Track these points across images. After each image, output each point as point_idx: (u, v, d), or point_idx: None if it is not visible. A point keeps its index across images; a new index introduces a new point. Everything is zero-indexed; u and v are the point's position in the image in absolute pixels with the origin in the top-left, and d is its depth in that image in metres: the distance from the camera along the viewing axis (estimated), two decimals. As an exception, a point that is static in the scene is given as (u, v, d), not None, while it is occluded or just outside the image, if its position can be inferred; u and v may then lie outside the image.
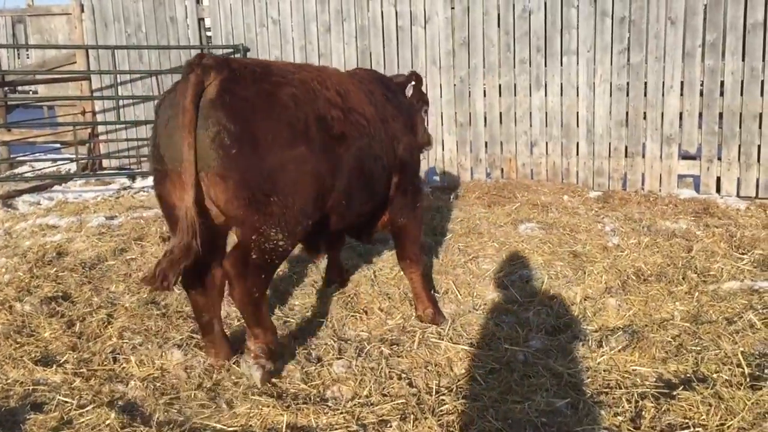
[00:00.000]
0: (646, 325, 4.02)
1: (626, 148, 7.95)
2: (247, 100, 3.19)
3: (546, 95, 8.19)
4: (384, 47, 8.72)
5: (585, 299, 4.46)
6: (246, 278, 3.30)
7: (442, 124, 8.65)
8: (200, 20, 9.52)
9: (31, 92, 14.63)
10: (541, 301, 4.37)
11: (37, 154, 10.84)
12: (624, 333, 3.87)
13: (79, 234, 6.59)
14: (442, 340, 3.85)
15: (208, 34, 9.94)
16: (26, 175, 10.06)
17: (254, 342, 3.45)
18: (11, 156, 11.24)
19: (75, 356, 3.83)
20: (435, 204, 7.35)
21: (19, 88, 12.00)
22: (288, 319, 4.38)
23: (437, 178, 8.84)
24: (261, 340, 3.44)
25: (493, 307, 4.39)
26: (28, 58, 18.53)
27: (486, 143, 8.56)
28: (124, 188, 9.33)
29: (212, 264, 3.54)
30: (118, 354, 3.87)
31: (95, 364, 3.74)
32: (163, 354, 3.82)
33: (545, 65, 8.15)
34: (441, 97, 8.60)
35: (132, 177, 9.57)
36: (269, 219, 3.23)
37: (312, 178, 3.34)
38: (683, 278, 4.74)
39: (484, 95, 8.46)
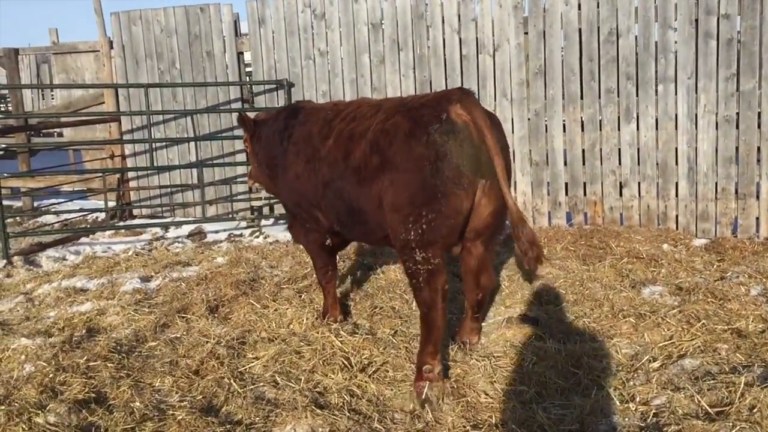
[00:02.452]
0: None
1: (736, 188, 6.87)
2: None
3: (638, 129, 7.17)
4: (446, 78, 7.78)
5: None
6: None
7: (514, 163, 7.64)
8: (239, 54, 8.68)
9: (56, 134, 13.89)
10: (739, 412, 3.19)
11: (62, 202, 9.98)
12: None
13: (112, 302, 5.64)
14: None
15: (248, 69, 9.08)
16: (50, 227, 9.20)
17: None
18: (35, 205, 10.44)
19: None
20: (511, 258, 6.31)
21: (44, 131, 11.25)
22: None
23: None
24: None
25: (677, 422, 3.22)
26: (52, 99, 17.90)
27: (566, 184, 7.53)
28: (157, 239, 8.43)
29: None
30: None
31: None
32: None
33: (636, 95, 7.14)
34: (513, 132, 7.61)
35: (165, 227, 8.66)
36: None
37: None
38: None
39: (564, 130, 7.46)
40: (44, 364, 4.19)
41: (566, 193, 7.55)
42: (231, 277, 6.00)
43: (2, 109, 17.83)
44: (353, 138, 4.03)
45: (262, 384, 3.88)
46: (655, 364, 3.83)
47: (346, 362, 3.96)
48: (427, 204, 3.55)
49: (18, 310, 5.75)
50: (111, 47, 9.14)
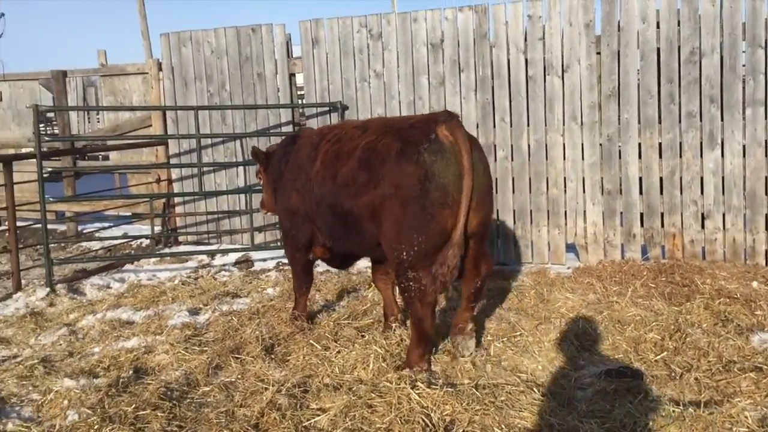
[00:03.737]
0: None
1: (837, 221, 6.26)
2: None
3: (723, 156, 6.61)
4: (510, 101, 7.32)
5: None
6: None
7: (584, 192, 7.12)
8: (291, 76, 8.36)
9: (101, 157, 13.79)
10: None
11: (107, 227, 9.73)
12: None
13: (160, 338, 5.25)
14: None
15: (300, 92, 8.76)
16: (94, 253, 8.96)
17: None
18: (79, 229, 10.23)
19: None
20: (588, 295, 5.78)
21: (89, 154, 11.09)
22: None
23: (577, 255, 7.28)
24: None
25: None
26: (98, 122, 17.94)
27: (642, 215, 6.98)
28: (203, 266, 8.09)
29: None
30: None
31: None
32: None
33: (721, 119, 6.59)
34: (583, 159, 7.10)
35: (211, 254, 8.32)
36: None
37: None
38: None
39: (639, 156, 6.92)
40: (89, 411, 3.80)
41: (641, 225, 6.99)
42: (285, 312, 5.59)
43: (49, 132, 17.91)
44: (339, 157, 4.32)
45: (331, 443, 3.43)
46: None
47: (426, 420, 3.47)
48: (417, 227, 3.87)
49: (61, 344, 5.42)
50: (160, 69, 8.92)
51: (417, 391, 3.73)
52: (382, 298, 5.15)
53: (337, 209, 4.36)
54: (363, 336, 4.89)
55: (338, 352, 4.55)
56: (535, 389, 3.82)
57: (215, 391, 4.14)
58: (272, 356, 4.65)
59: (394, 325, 4.95)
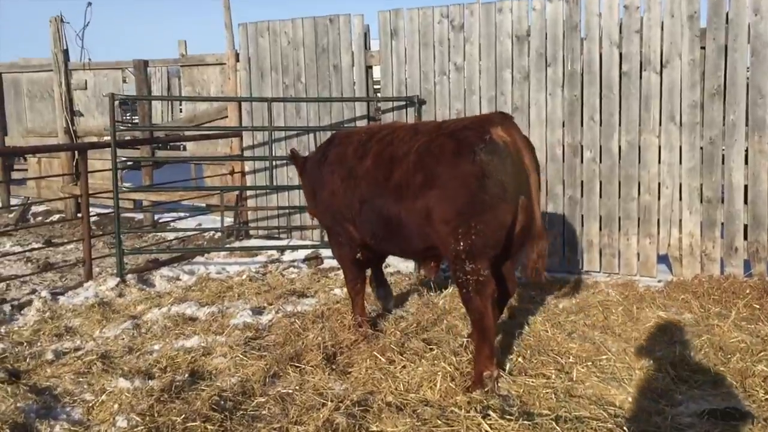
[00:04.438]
0: None
1: None
2: None
3: None
4: (601, 99, 6.76)
5: None
6: None
7: (680, 199, 6.50)
8: (368, 68, 8.05)
9: (182, 147, 13.96)
10: None
11: (181, 218, 9.73)
12: None
13: (220, 338, 5.06)
14: None
15: (377, 86, 8.45)
16: (167, 244, 8.97)
17: None
18: (155, 219, 10.30)
19: None
20: (684, 314, 5.21)
21: (170, 144, 11.17)
22: None
23: (669, 268, 6.67)
24: None
25: None
26: (180, 112, 18.24)
27: (746, 227, 6.30)
28: (272, 261, 7.92)
29: None
30: None
31: None
32: None
33: (844, 123, 5.85)
34: (680, 163, 6.48)
35: (281, 250, 8.13)
36: None
37: None
38: None
39: (746, 162, 6.25)
40: (138, 419, 3.60)
41: (745, 237, 6.31)
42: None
43: (133, 120, 18.34)
44: (393, 159, 4.31)
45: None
46: None
47: (499, 457, 3.08)
48: (475, 216, 3.86)
49: (123, 338, 5.32)
50: (237, 60, 8.80)
51: (489, 422, 3.34)
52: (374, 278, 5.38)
53: (384, 210, 4.34)
54: (431, 349, 4.53)
55: (403, 366, 4.20)
56: (625, 427, 3.35)
57: (270, 403, 3.87)
58: (333, 366, 4.35)
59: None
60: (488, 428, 3.28)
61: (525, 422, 3.37)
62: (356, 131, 5.04)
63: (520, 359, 4.38)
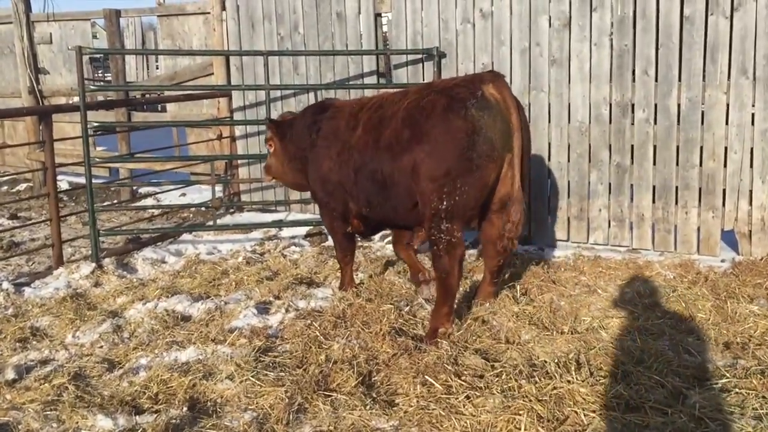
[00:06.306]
0: None
1: None
2: None
3: None
4: (657, 49, 5.77)
5: None
6: None
7: (751, 166, 5.59)
8: (377, 16, 6.96)
9: (160, 108, 12.74)
10: None
11: (163, 192, 8.67)
12: None
13: (222, 348, 4.10)
14: None
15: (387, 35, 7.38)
16: (148, 221, 7.95)
17: None
18: (133, 190, 9.23)
19: None
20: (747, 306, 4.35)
21: (146, 105, 10.01)
22: None
23: (735, 246, 5.80)
24: None
25: None
26: (157, 69, 16.86)
27: (830, 199, 5.43)
28: (269, 238, 6.95)
29: None
30: None
31: None
32: None
33: None
34: (753, 124, 5.55)
35: (279, 224, 7.14)
36: None
37: None
38: None
39: (833, 123, 5.34)
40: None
41: (829, 211, 5.44)
42: (378, 317, 4.35)
43: (105, 78, 16.91)
44: (383, 121, 4.34)
45: None
46: None
47: None
48: (461, 176, 3.94)
49: (101, 346, 4.37)
50: (223, 8, 7.66)
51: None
52: (407, 265, 5.15)
53: (377, 174, 4.36)
54: (492, 366, 3.59)
55: (467, 397, 3.25)
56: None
57: (300, 454, 2.93)
58: (373, 394, 3.40)
59: (421, 279, 4.89)
60: None
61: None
62: (349, 103, 5.05)
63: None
